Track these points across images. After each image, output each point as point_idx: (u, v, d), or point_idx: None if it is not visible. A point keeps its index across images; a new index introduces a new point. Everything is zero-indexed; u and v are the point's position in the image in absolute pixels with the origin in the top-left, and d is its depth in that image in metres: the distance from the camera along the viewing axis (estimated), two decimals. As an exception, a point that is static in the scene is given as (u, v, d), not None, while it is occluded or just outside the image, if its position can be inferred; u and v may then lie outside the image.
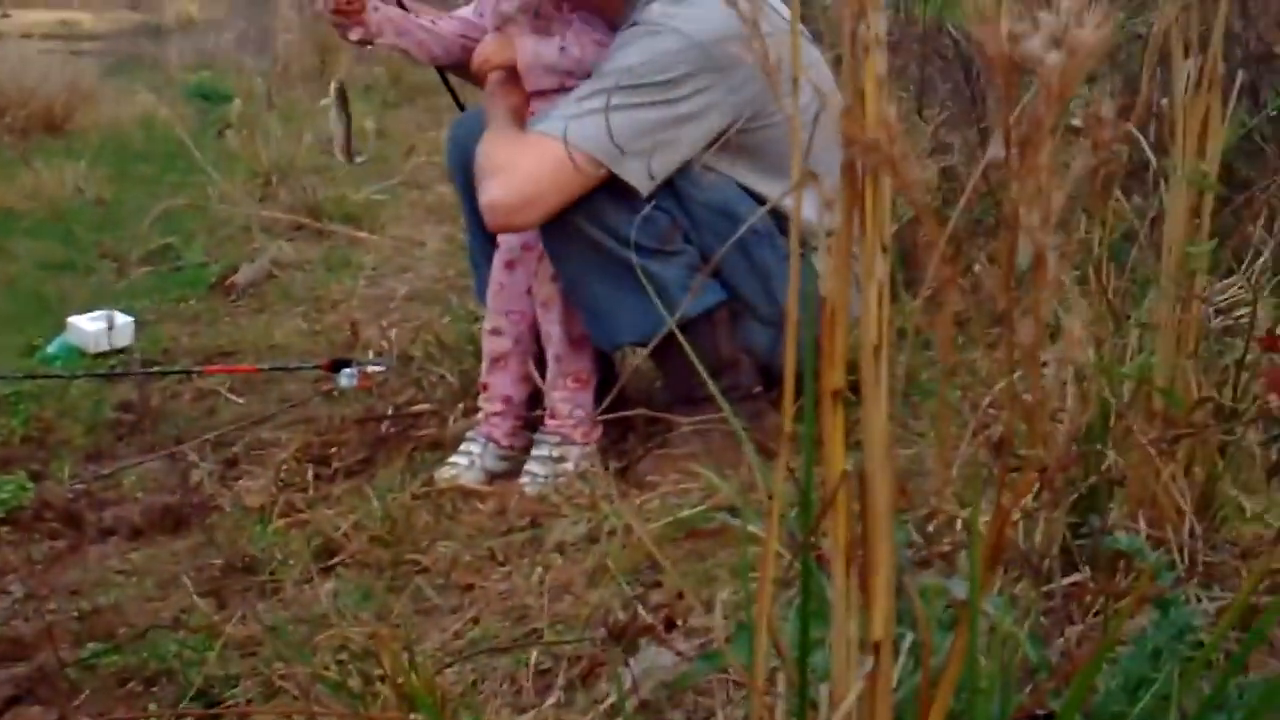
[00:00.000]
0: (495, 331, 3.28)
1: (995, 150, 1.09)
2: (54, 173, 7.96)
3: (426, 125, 9.00)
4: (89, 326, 4.62)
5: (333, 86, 3.62)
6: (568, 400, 3.14)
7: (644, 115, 2.85)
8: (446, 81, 3.63)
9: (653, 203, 2.93)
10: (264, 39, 17.45)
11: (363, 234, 5.96)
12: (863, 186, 1.13)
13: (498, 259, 3.29)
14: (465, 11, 3.37)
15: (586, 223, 2.92)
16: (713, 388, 1.58)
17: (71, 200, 7.60)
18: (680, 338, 1.88)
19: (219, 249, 6.20)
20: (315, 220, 6.28)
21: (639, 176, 2.86)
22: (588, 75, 2.97)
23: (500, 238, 3.26)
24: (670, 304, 2.83)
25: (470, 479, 3.15)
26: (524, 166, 2.87)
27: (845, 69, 1.12)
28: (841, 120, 1.10)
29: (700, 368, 1.74)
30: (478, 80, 3.20)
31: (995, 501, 1.22)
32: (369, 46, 3.35)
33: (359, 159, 3.94)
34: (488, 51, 3.08)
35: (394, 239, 5.83)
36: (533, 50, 3.05)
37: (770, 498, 1.27)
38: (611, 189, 2.89)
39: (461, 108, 3.69)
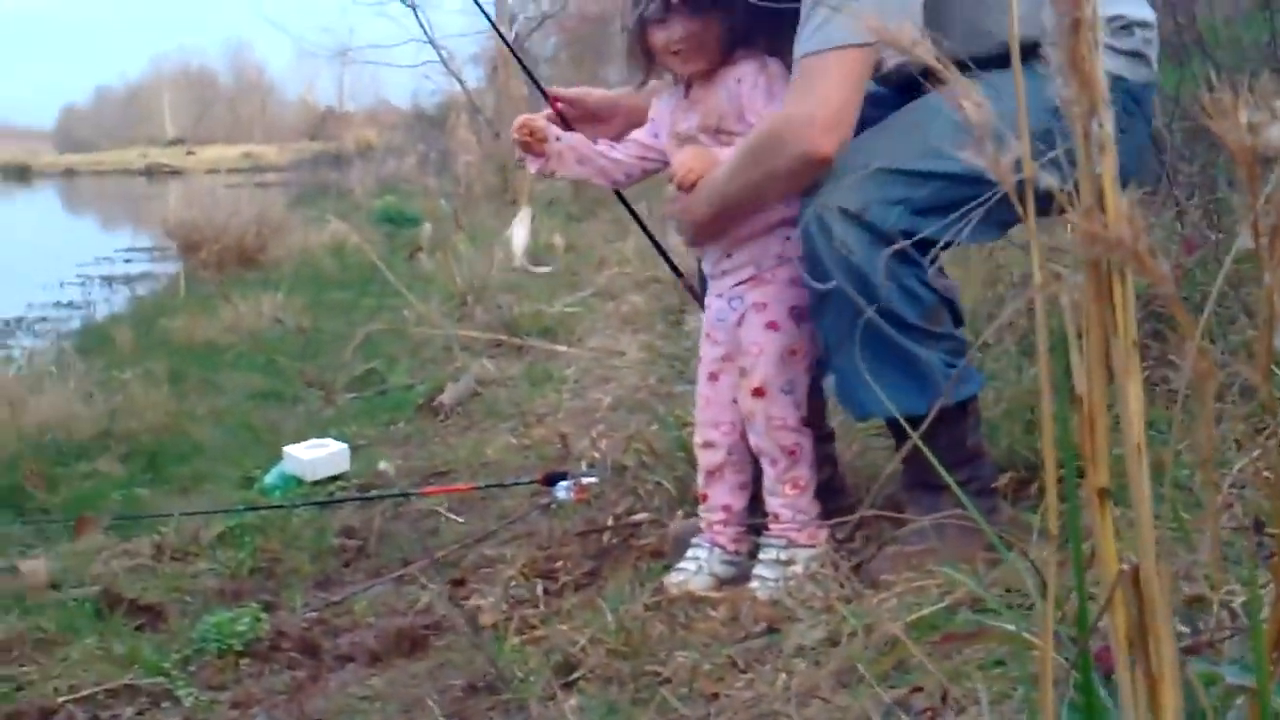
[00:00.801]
0: (707, 444, 3.25)
1: (1244, 241, 1.06)
2: (252, 305, 8.18)
3: (612, 237, 9.09)
4: (305, 455, 4.70)
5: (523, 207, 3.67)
6: (788, 506, 3.11)
7: None
8: (625, 202, 3.64)
9: (922, 280, 2.86)
10: (443, 162, 17.86)
11: (561, 347, 6.00)
12: (1109, 284, 1.11)
13: (701, 372, 3.28)
14: (639, 134, 3.38)
15: (856, 291, 2.84)
16: (949, 479, 1.56)
17: (272, 330, 7.79)
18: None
19: (422, 370, 6.31)
20: (513, 336, 6.36)
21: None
22: None
23: (703, 351, 3.26)
24: (929, 387, 2.80)
25: (699, 585, 3.12)
26: (816, 90, 2.83)
27: (1080, 166, 1.10)
28: (1081, 220, 1.09)
29: (934, 458, 1.70)
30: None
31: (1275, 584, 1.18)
32: (550, 176, 3.39)
33: (543, 269, 3.98)
34: (690, 163, 3.08)
35: (592, 350, 5.87)
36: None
37: (1041, 596, 1.24)
38: (885, 260, 2.82)
39: (643, 225, 3.70)
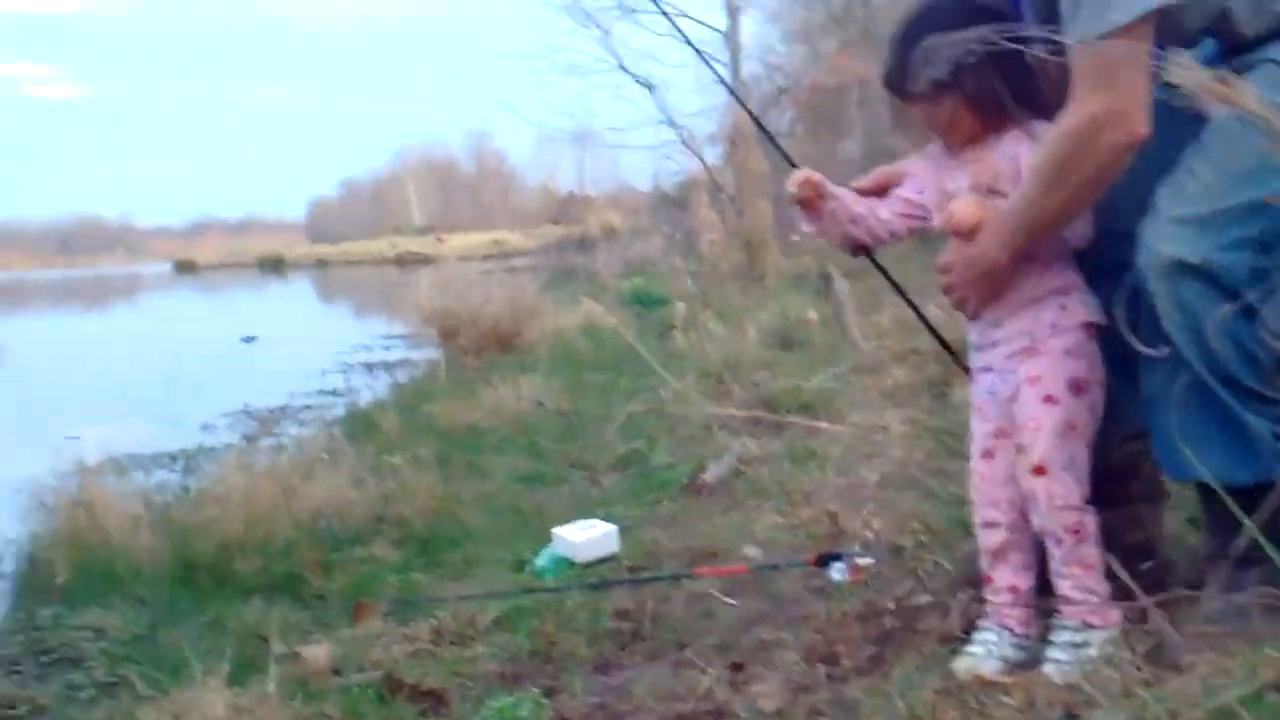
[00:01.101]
0: (988, 524, 3.16)
1: None
2: (512, 388, 8.29)
3: (867, 309, 9.01)
4: (576, 537, 4.72)
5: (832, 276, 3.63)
6: (1078, 587, 3.00)
7: None
8: (878, 264, 3.57)
9: (1261, 339, 2.73)
10: (688, 241, 17.98)
11: (822, 423, 5.95)
12: None
13: (974, 449, 3.20)
14: (903, 191, 3.31)
15: (1188, 346, 2.74)
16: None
17: (533, 413, 7.88)
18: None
19: (682, 449, 6.31)
20: (772, 413, 6.33)
21: None
22: None
23: (974, 427, 3.18)
24: (1254, 457, 2.69)
25: (989, 669, 3.03)
26: (1110, 79, 2.75)
27: None
28: None
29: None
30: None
31: None
32: (824, 237, 3.35)
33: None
34: (969, 209, 3.00)
35: (854, 426, 5.80)
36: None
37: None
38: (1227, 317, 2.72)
39: (895, 285, 3.63)
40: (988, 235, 2.96)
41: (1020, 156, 3.00)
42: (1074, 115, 2.78)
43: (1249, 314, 2.69)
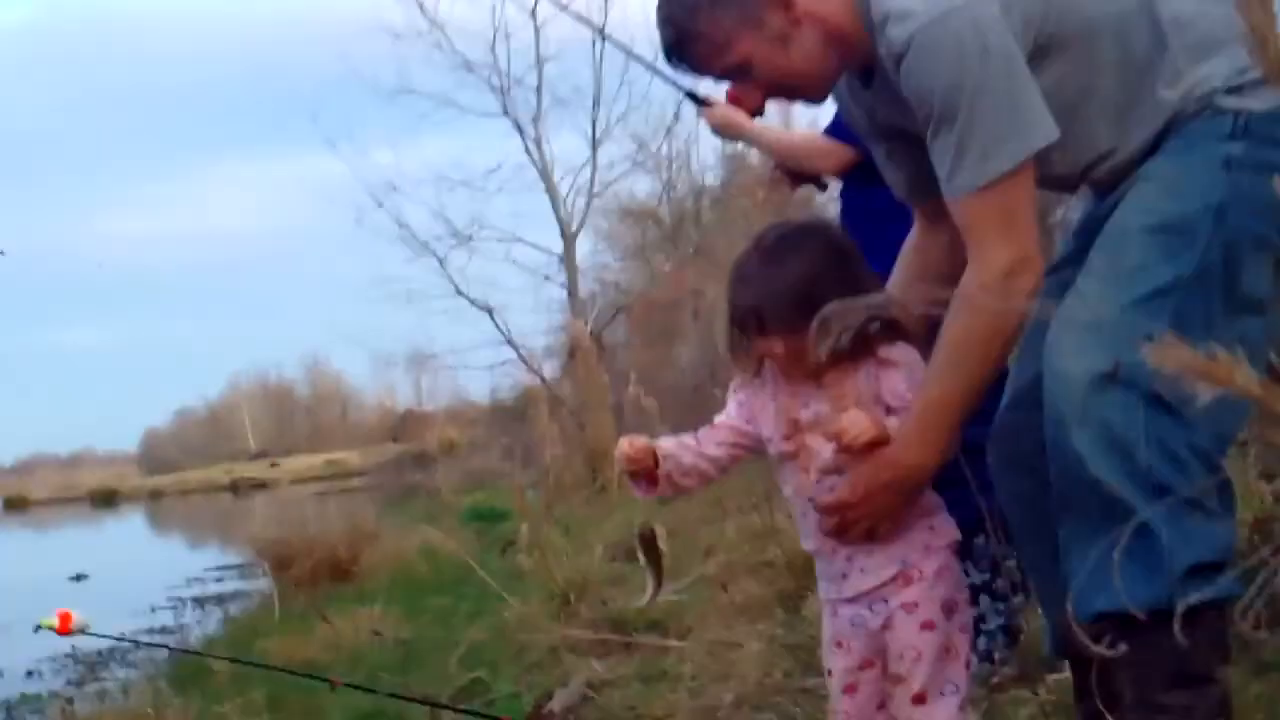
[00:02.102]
0: (856, 760, 2.99)
1: None
2: (349, 619, 8.03)
3: (711, 518, 8.85)
4: (419, 780, 4.46)
5: (637, 533, 3.42)
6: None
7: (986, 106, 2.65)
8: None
9: (1191, 444, 2.56)
10: (528, 454, 17.86)
11: (673, 642, 5.75)
12: None
13: (834, 686, 3.02)
14: (729, 420, 3.14)
15: (1114, 470, 2.56)
16: None
17: (371, 646, 7.60)
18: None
19: (528, 676, 6.07)
20: (621, 634, 6.13)
21: (1044, 134, 2.69)
22: None
23: (833, 663, 3.00)
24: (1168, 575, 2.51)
25: None
26: (1004, 229, 2.70)
27: None
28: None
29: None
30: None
31: None
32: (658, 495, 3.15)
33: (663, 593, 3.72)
34: (862, 426, 2.83)
35: (709, 643, 5.60)
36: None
37: None
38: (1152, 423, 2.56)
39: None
40: (902, 446, 2.81)
41: (880, 379, 2.87)
42: (983, 272, 2.71)
43: (1173, 414, 2.53)
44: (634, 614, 6.35)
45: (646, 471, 2.97)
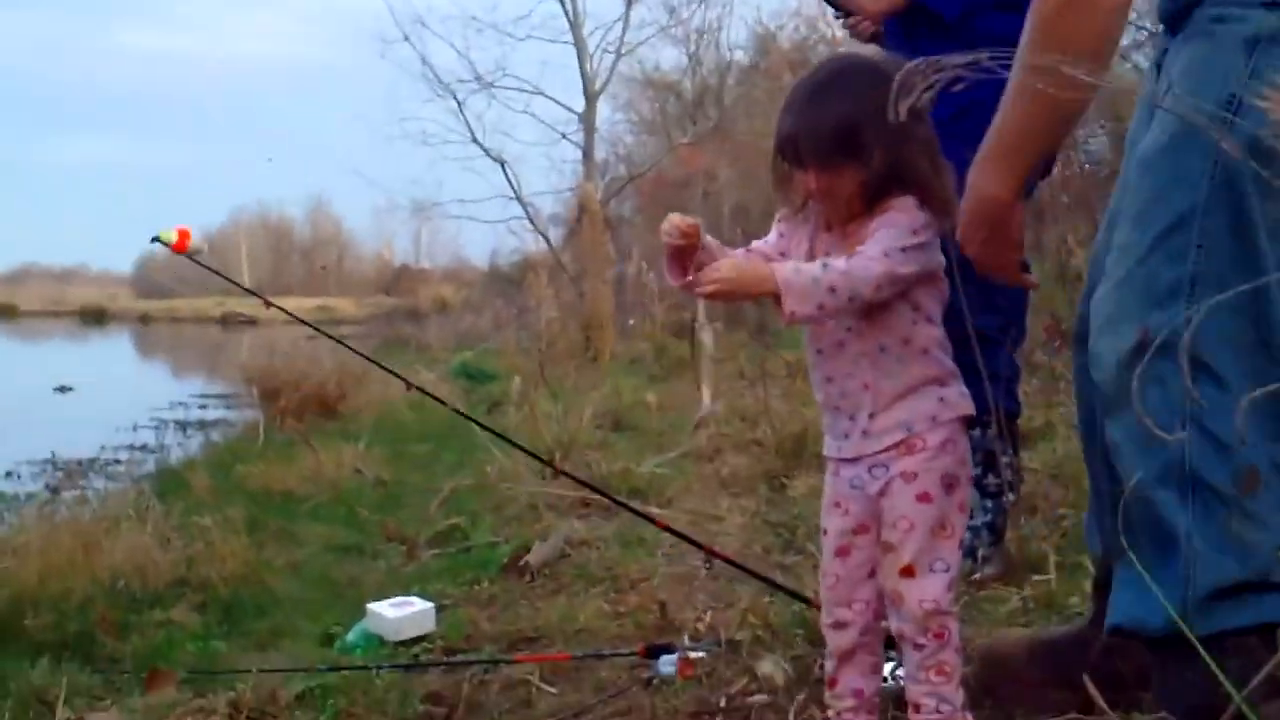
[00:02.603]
0: (838, 625, 2.97)
1: None
2: (332, 455, 8.03)
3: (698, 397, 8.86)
4: (390, 614, 4.46)
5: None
6: (932, 694, 2.82)
7: None
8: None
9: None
10: (521, 319, 17.83)
11: (655, 510, 5.75)
12: None
13: (826, 545, 3.00)
14: (764, 246, 3.05)
15: (1141, 460, 2.35)
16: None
17: (352, 482, 7.62)
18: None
19: (507, 528, 6.08)
20: (603, 496, 6.14)
21: None
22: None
23: (829, 523, 2.98)
24: (1185, 595, 2.27)
25: (829, 777, 2.84)
26: None
27: None
28: None
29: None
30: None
31: None
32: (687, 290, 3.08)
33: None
34: (710, 279, 2.78)
35: (689, 513, 5.61)
36: (792, 268, 2.78)
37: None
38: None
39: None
40: (978, 175, 2.75)
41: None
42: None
43: (1220, 383, 2.27)
44: (616, 479, 6.36)
45: (689, 250, 2.90)
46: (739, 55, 24.89)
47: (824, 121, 2.77)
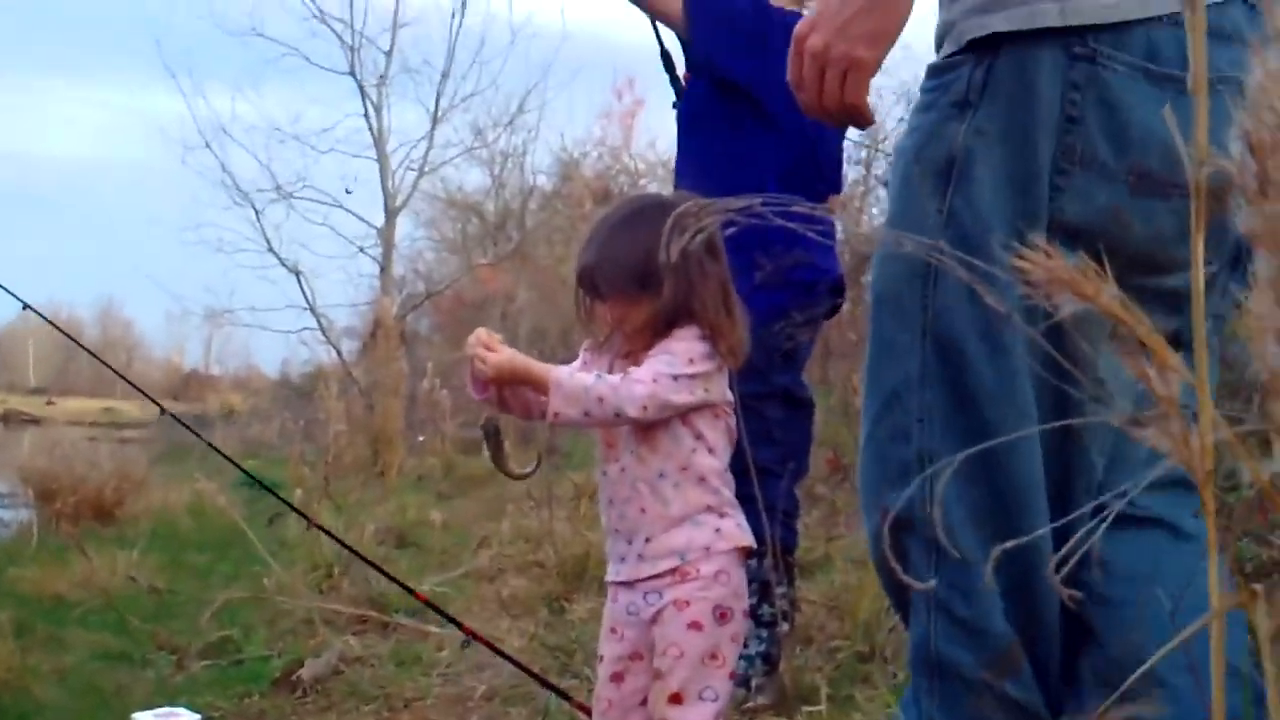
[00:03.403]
0: (610, 752, 3.00)
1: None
2: (106, 560, 7.86)
3: (484, 516, 8.86)
4: (155, 725, 4.37)
5: (481, 425, 3.44)
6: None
7: None
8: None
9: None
10: (309, 430, 17.63)
11: (433, 628, 5.72)
12: None
13: (602, 673, 3.04)
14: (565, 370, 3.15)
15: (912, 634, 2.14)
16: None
17: (125, 589, 7.44)
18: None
19: (280, 642, 5.99)
20: (381, 613, 6.08)
21: None
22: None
23: (605, 649, 3.01)
24: None
25: None
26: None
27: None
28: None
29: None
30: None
31: None
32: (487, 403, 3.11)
33: (528, 469, 3.78)
34: (498, 362, 2.85)
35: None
36: (567, 372, 2.86)
37: None
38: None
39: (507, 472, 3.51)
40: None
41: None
42: None
43: (960, 559, 1.88)
44: (396, 596, 6.31)
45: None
46: (542, 180, 25.12)
47: (618, 255, 2.87)
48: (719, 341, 2.87)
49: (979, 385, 1.99)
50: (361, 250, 23.38)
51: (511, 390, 2.95)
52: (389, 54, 23.46)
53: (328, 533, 5.20)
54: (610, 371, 2.95)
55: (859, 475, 2.22)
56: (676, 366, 2.80)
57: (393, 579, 4.59)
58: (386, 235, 23.55)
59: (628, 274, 2.86)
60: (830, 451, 7.51)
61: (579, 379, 2.80)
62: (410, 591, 4.51)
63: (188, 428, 5.71)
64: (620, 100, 25.59)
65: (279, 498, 4.91)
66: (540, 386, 2.80)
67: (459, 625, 4.16)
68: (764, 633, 4.17)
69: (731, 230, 1.55)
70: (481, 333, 2.92)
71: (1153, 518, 2.05)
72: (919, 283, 2.02)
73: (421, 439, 13.92)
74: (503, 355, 2.83)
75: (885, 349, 2.10)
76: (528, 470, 3.78)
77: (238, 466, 5.51)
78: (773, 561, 3.82)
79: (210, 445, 5.35)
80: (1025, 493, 1.99)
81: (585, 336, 3.12)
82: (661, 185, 19.50)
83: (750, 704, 4.10)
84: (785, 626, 4.17)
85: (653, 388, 2.76)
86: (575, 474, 8.65)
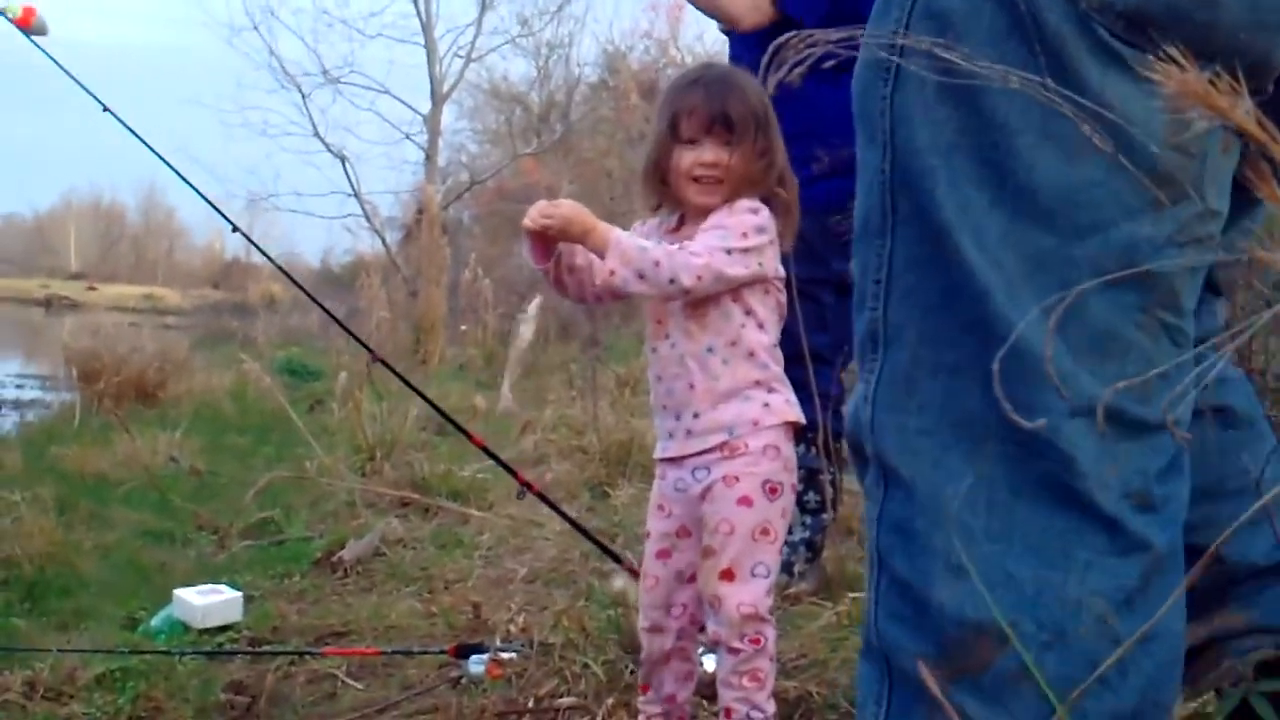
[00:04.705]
0: (655, 628, 2.96)
1: None
2: (148, 441, 7.88)
3: (533, 404, 8.83)
4: (197, 600, 4.37)
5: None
6: (743, 701, 2.81)
7: None
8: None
9: None
10: (350, 318, 17.66)
11: (474, 511, 5.71)
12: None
13: (649, 548, 2.99)
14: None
15: None
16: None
17: (166, 469, 7.47)
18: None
19: (322, 524, 6.00)
20: (424, 496, 6.07)
21: None
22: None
23: (652, 525, 2.97)
24: None
25: (636, 781, 2.83)
26: None
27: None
28: None
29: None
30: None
31: None
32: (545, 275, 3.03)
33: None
34: (568, 213, 2.78)
35: (508, 518, 5.58)
36: (627, 234, 2.79)
37: None
38: None
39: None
40: None
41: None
42: None
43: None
44: (437, 480, 6.30)
45: (551, 238, 2.87)
46: (588, 71, 24.89)
47: (754, 102, 2.82)
48: (782, 214, 2.82)
49: (952, 224, 1.48)
50: (407, 137, 23.29)
51: (569, 266, 2.89)
52: (442, -64, 23.18)
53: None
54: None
55: None
56: (731, 240, 2.74)
57: (503, 466, 4.43)
58: (432, 122, 23.44)
59: (758, 119, 2.82)
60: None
61: (638, 241, 2.74)
62: (468, 436, 4.41)
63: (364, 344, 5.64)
64: (668, -8, 25.32)
65: (456, 425, 4.67)
66: (600, 243, 2.73)
67: (514, 474, 4.10)
68: (808, 519, 4.13)
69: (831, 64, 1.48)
70: (543, 203, 2.84)
71: None
72: (880, 72, 1.56)
73: (464, 328, 13.89)
74: (560, 208, 2.75)
75: (860, 176, 1.63)
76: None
77: (425, 399, 5.25)
78: (822, 447, 3.77)
79: (406, 383, 5.05)
80: (1039, 372, 1.39)
81: (647, 205, 3.04)
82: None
83: (792, 589, 4.07)
84: (830, 514, 4.13)
85: (708, 259, 2.70)
86: (618, 365, 8.63)
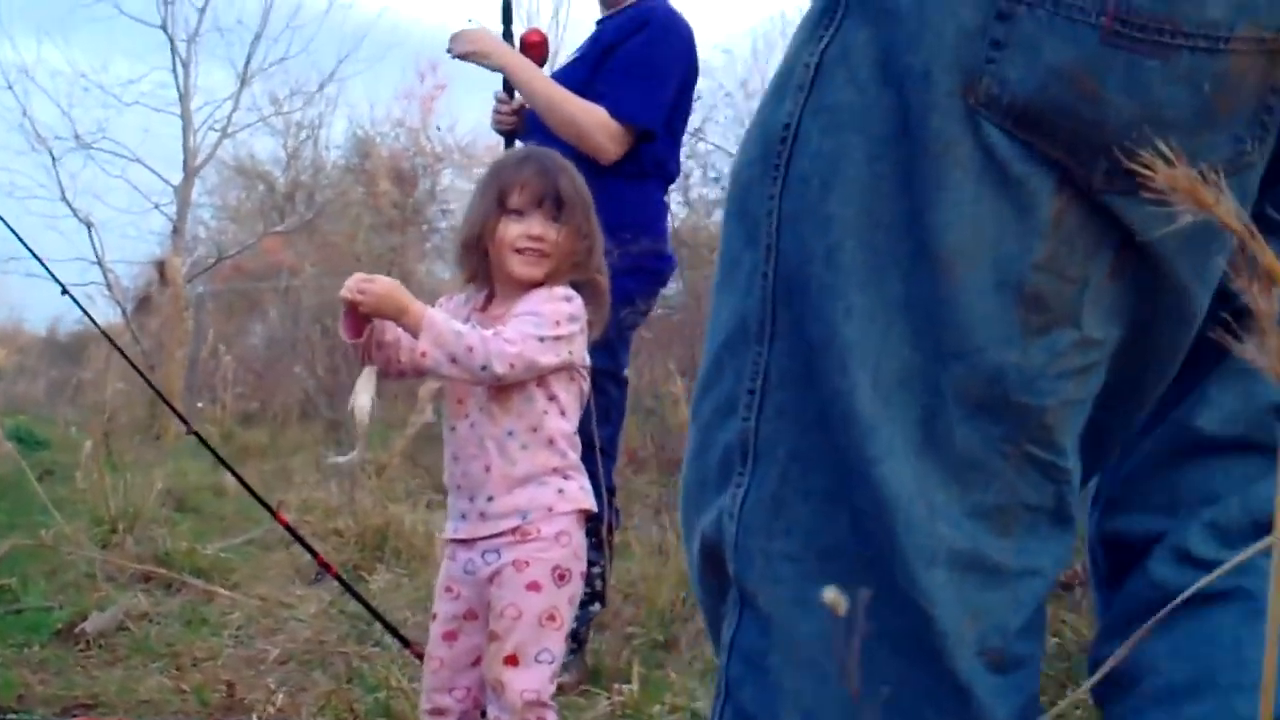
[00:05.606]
0: (437, 712, 2.98)
1: None
2: None
3: (266, 486, 8.69)
4: (-66, 668, 4.22)
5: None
6: (524, 783, 2.85)
7: None
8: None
9: None
10: (77, 389, 17.18)
11: (221, 590, 5.61)
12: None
13: (435, 631, 3.02)
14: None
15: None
16: None
17: (-112, 535, 7.14)
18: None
19: (62, 594, 5.81)
20: (168, 570, 5.94)
21: None
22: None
23: (439, 607, 3.00)
24: None
25: None
26: None
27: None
28: None
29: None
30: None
31: None
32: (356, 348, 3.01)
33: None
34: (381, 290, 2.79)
35: (260, 599, 5.49)
36: (443, 315, 2.82)
37: None
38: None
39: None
40: None
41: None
42: None
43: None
44: (181, 556, 6.18)
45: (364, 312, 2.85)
46: (336, 154, 24.69)
47: (579, 188, 2.90)
48: (596, 302, 2.91)
49: (829, 337, 1.38)
50: (156, 207, 22.84)
51: (378, 341, 2.91)
52: (203, 10, 22.94)
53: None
54: (468, 322, 2.94)
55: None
56: (544, 328, 2.81)
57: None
58: (183, 194, 23.04)
59: (584, 206, 2.91)
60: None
61: (453, 324, 2.78)
62: (272, 513, 4.35)
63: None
64: (422, 82, 25.35)
65: (263, 503, 4.57)
66: (414, 323, 2.75)
67: (315, 554, 4.05)
68: (578, 611, 4.17)
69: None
70: (359, 276, 2.86)
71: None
72: (769, 170, 1.43)
73: (201, 405, 13.62)
74: (377, 284, 2.77)
75: (726, 276, 1.52)
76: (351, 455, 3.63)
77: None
78: (597, 540, 3.84)
79: (220, 459, 5.01)
80: (896, 511, 1.35)
81: (462, 281, 3.09)
82: (458, 170, 19.42)
83: (556, 681, 4.09)
84: (598, 607, 4.18)
85: (521, 347, 2.75)
86: (378, 451, 8.58)
